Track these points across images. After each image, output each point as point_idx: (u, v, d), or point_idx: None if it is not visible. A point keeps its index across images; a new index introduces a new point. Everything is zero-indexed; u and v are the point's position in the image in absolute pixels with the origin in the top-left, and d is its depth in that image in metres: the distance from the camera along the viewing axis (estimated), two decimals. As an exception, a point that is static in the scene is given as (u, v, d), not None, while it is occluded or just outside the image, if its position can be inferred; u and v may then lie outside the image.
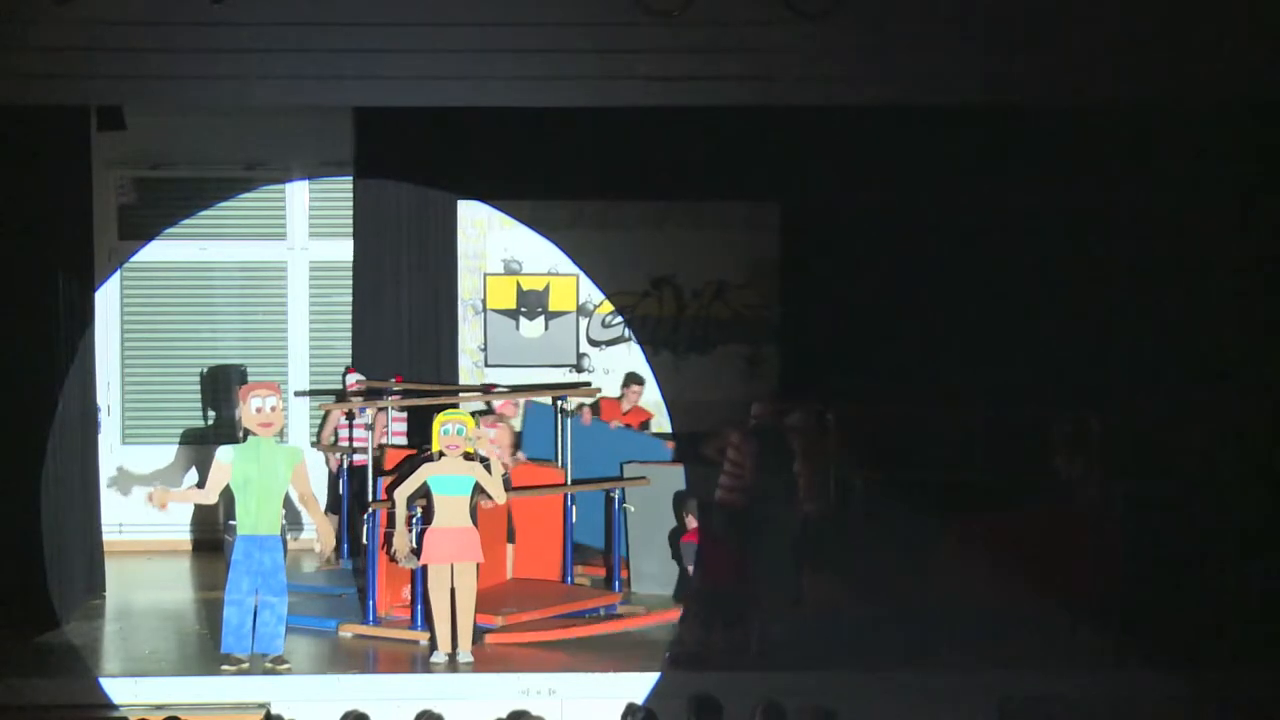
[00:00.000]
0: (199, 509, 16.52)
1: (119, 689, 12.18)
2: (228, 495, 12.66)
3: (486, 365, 16.92)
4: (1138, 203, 15.31)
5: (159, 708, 11.89)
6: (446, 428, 12.96)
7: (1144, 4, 12.33)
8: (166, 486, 13.05)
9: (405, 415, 15.67)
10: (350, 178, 16.95)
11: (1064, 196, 15.62)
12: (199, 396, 17.19)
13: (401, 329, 16.81)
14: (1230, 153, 14.20)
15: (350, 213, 16.99)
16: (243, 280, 17.38)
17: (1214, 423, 14.34)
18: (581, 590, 14.79)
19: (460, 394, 16.03)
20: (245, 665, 12.48)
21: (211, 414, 17.10)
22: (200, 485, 13.63)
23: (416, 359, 16.82)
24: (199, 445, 16.93)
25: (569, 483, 15.04)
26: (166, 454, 17.12)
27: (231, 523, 12.92)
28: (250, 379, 16.61)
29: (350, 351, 16.92)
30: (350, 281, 16.99)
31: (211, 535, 16.33)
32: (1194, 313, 14.80)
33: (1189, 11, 12.30)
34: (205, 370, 17.14)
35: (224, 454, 12.61)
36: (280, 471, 12.57)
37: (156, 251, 17.24)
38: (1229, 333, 14.41)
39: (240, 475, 12.52)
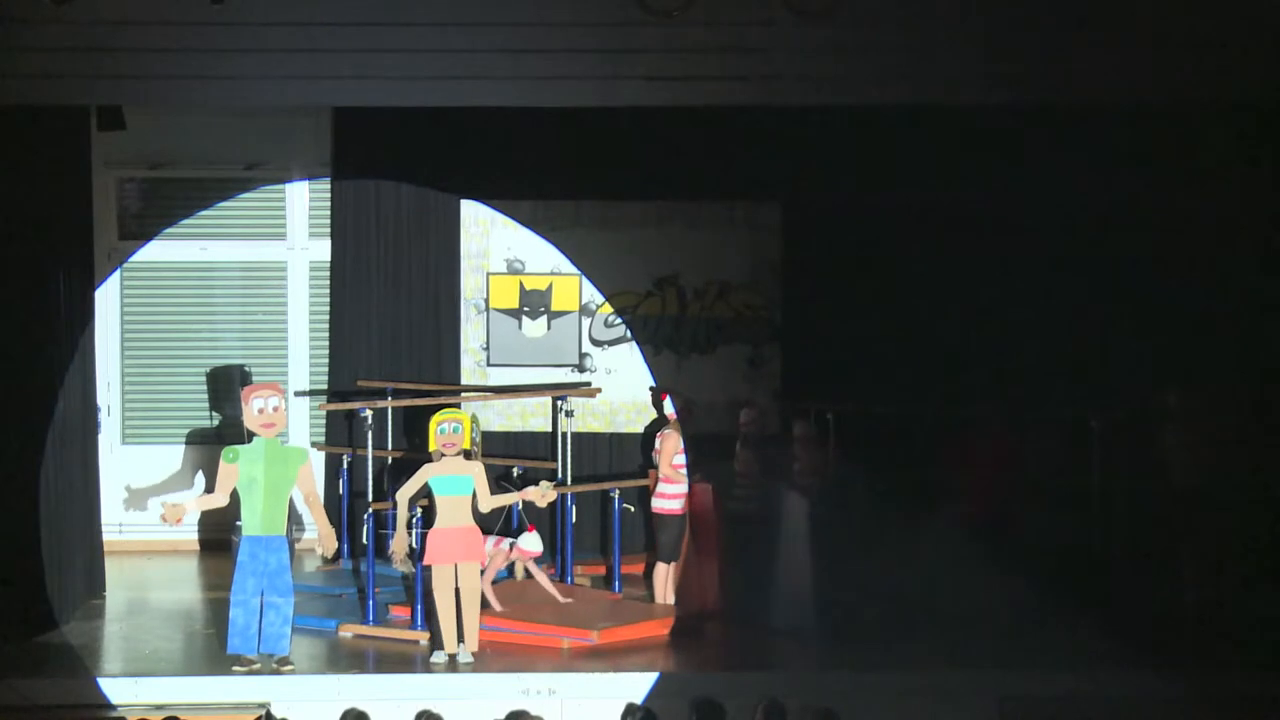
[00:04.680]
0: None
1: (119, 689, 12.20)
2: (236, 496, 12.68)
3: (488, 365, 16.91)
4: (1142, 202, 15.30)
5: (159, 708, 11.90)
6: (443, 427, 12.94)
7: (1145, 5, 12.32)
8: (176, 502, 12.98)
9: None
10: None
11: (1065, 196, 15.59)
12: (200, 396, 17.19)
13: (400, 328, 16.81)
14: (1235, 154, 14.21)
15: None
16: (243, 280, 17.38)
17: (1217, 423, 14.34)
18: (581, 590, 14.79)
19: (462, 395, 16.09)
20: (256, 665, 12.49)
21: (215, 415, 17.10)
22: (209, 490, 13.65)
23: (416, 359, 16.82)
24: (201, 445, 16.95)
25: (569, 482, 15.07)
26: (167, 454, 17.12)
27: (239, 523, 12.91)
28: (252, 379, 16.63)
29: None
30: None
31: (217, 535, 16.34)
32: (1198, 313, 14.81)
33: (1191, 12, 12.28)
34: (209, 370, 17.15)
35: (229, 455, 12.62)
36: (286, 472, 12.58)
37: (156, 251, 17.24)
38: (1237, 334, 14.42)
39: (246, 476, 12.52)
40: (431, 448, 12.96)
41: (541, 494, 13.47)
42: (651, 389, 16.34)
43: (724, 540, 14.44)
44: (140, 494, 16.95)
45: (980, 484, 14.72)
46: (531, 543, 13.95)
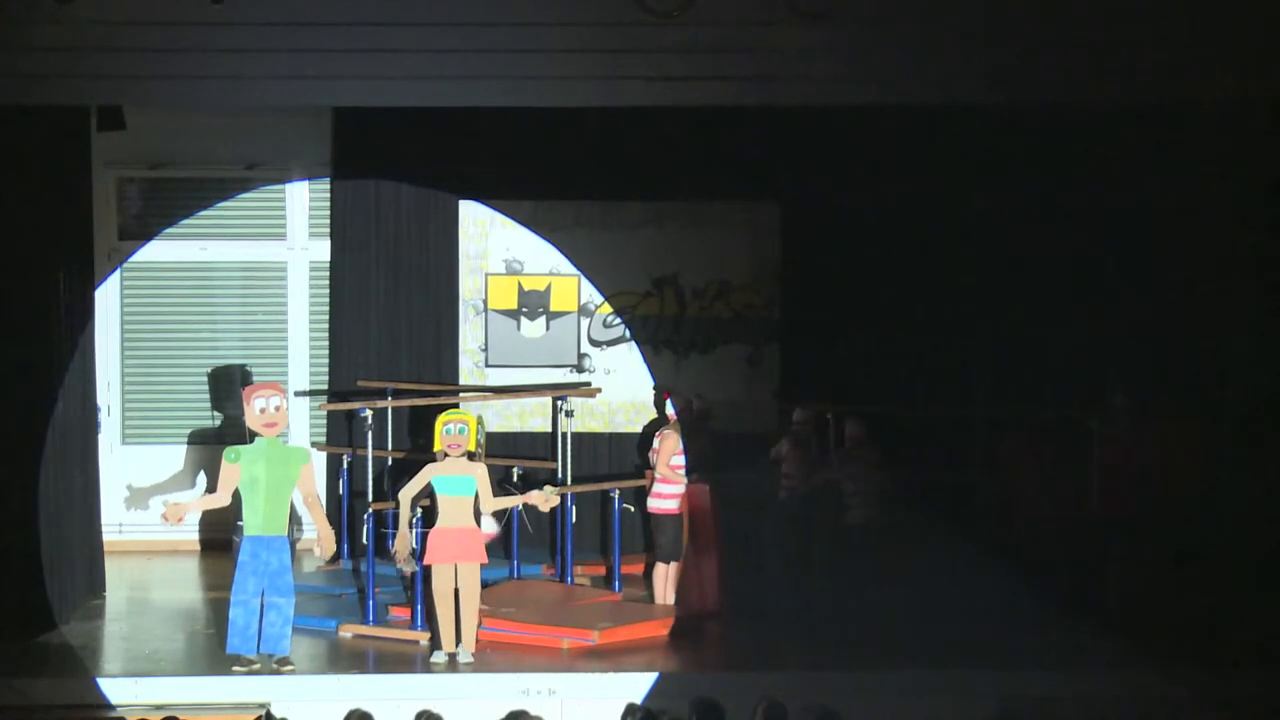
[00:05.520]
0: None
1: (119, 689, 12.20)
2: (237, 496, 12.68)
3: (487, 365, 16.91)
4: (1140, 202, 15.30)
5: (159, 708, 11.89)
6: (449, 427, 12.94)
7: (1145, 4, 12.32)
8: (177, 502, 12.98)
9: None
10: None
11: (1064, 195, 15.60)
12: (200, 396, 17.19)
13: (400, 328, 16.81)
14: (1233, 153, 14.20)
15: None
16: (243, 280, 17.39)
17: (1215, 423, 14.34)
18: (581, 590, 14.79)
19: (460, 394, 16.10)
20: (256, 666, 12.49)
21: (217, 415, 17.11)
22: (210, 490, 13.64)
23: (416, 359, 16.82)
24: (202, 445, 16.95)
25: (569, 482, 15.07)
26: (167, 454, 17.12)
27: (240, 523, 12.91)
28: (252, 379, 16.63)
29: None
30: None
31: (218, 535, 16.34)
32: (1196, 314, 14.80)
33: (1190, 11, 12.28)
34: (210, 370, 17.15)
35: (231, 455, 12.62)
36: (288, 472, 12.57)
37: (156, 251, 17.24)
38: (1233, 333, 14.42)
39: (247, 476, 12.52)
40: (436, 447, 12.97)
41: (545, 498, 13.47)
42: (655, 389, 16.35)
43: (723, 540, 14.45)
44: (141, 494, 16.95)
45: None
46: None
